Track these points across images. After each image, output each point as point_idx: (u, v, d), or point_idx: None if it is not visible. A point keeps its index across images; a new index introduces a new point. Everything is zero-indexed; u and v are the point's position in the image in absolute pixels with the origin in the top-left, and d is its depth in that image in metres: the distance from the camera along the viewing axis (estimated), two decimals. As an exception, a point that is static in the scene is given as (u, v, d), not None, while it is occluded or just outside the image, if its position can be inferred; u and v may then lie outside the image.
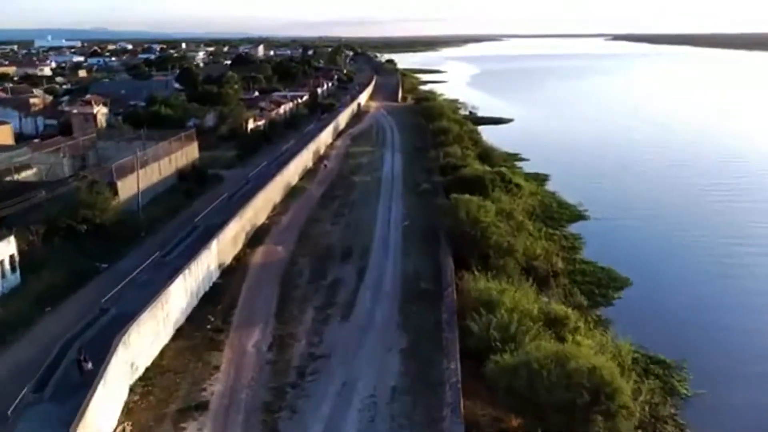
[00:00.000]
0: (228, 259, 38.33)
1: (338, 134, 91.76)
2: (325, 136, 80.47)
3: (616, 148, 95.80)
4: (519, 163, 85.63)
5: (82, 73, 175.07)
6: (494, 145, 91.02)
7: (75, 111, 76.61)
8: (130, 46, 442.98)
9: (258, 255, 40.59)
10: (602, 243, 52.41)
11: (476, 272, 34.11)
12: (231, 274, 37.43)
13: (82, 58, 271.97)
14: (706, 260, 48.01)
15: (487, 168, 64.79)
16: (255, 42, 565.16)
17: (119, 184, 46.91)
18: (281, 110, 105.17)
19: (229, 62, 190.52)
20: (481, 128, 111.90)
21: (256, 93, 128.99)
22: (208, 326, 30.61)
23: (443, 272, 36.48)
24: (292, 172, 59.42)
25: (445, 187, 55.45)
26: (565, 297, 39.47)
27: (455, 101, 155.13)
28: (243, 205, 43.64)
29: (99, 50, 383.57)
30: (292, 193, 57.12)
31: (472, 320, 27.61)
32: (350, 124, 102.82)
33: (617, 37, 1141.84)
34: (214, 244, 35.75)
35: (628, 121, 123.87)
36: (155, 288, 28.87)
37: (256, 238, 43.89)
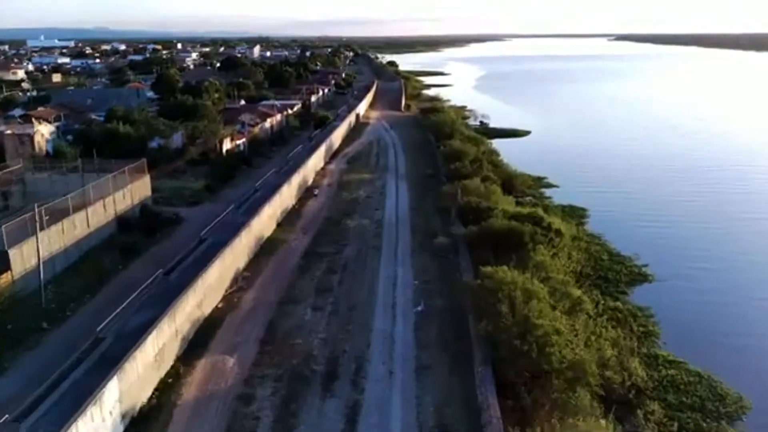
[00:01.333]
0: (142, 398, 24.43)
1: (332, 155, 77.96)
2: (315, 162, 66.58)
3: (658, 169, 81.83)
4: (547, 191, 71.94)
5: (57, 77, 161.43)
6: (512, 162, 77.66)
7: (9, 131, 62.55)
8: (123, 47, 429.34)
9: (195, 379, 26.63)
10: (684, 323, 38.53)
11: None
12: (145, 423, 23.56)
13: (67, 60, 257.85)
14: None
15: (518, 208, 51.05)
16: (255, 41, 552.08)
17: (12, 253, 33.05)
18: (268, 124, 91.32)
19: (218, 65, 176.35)
20: (495, 142, 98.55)
21: (242, 102, 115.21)
22: None
23: (482, 418, 22.91)
24: (266, 220, 45.53)
25: (469, 242, 41.78)
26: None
27: (463, 108, 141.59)
28: (185, 288, 29.76)
29: (91, 50, 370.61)
30: (265, 249, 43.23)
31: None
32: (347, 140, 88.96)
33: (620, 38, 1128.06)
34: (113, 385, 21.88)
35: (663, 135, 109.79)
36: None
37: (199, 340, 29.98)
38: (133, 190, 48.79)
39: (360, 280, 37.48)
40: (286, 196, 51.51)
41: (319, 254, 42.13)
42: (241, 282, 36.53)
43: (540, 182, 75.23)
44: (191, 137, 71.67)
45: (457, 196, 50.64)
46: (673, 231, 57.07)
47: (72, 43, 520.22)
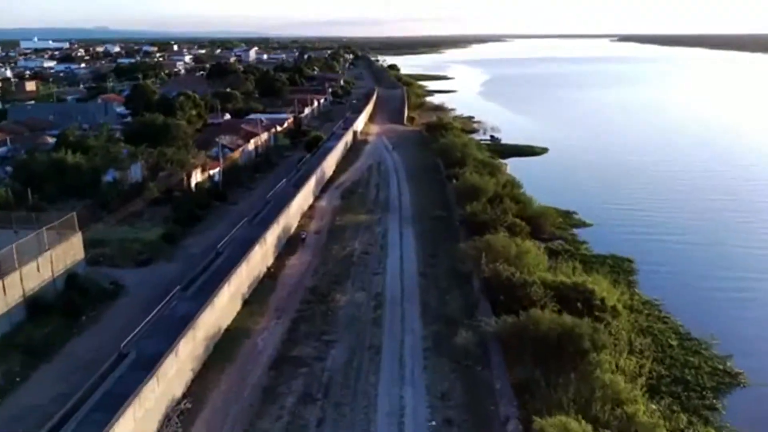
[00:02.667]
0: None
1: (325, 185, 66.20)
2: (301, 201, 54.73)
3: (713, 200, 70.03)
4: (579, 231, 60.26)
5: (31, 86, 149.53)
6: (531, 188, 66.18)
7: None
8: (117, 48, 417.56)
9: None
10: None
11: None
12: None
13: (53, 63, 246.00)
14: None
15: (561, 277, 39.27)
16: (255, 42, 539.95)
17: None
18: (252, 145, 79.54)
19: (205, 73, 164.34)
20: (509, 162, 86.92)
21: (227, 116, 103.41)
22: None
23: None
24: (225, 304, 33.67)
25: (503, 342, 30.07)
26: None
27: (470, 120, 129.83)
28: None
29: (83, 52, 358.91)
30: (220, 353, 31.31)
31: None
32: (343, 164, 77.16)
33: (623, 38, 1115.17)
34: None
35: (700, 153, 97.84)
36: None
37: None
38: (56, 257, 36.98)
39: (350, 418, 25.61)
40: (257, 261, 39.67)
41: (295, 361, 30.23)
42: (175, 427, 24.63)
43: (569, 219, 63.45)
44: (154, 168, 59.84)
45: (481, 261, 38.79)
46: (754, 295, 45.12)
47: (66, 44, 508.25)
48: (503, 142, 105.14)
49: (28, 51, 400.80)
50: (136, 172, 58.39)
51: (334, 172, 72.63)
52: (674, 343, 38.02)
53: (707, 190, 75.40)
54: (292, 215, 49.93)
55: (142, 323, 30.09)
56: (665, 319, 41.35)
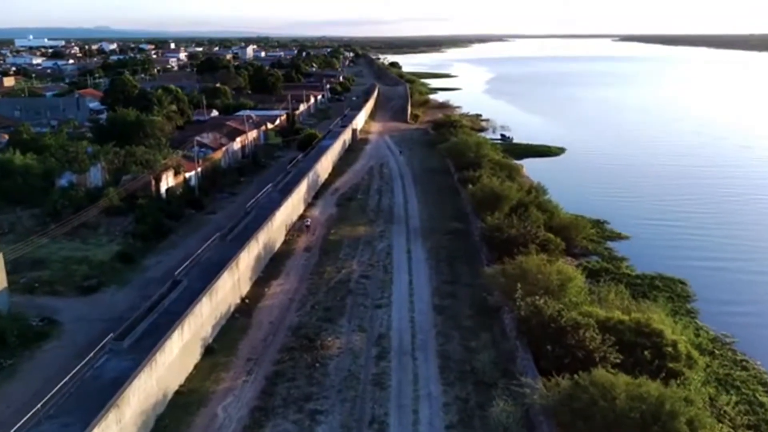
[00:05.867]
0: None
1: (318, 190, 57.33)
2: (289, 212, 45.63)
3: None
4: (615, 245, 51.61)
5: (10, 81, 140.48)
6: (553, 192, 57.37)
7: None
8: (112, 46, 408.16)
9: None
10: None
11: None
12: None
13: (39, 60, 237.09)
14: None
15: (617, 313, 30.33)
16: (254, 42, 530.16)
17: None
18: (237, 144, 70.67)
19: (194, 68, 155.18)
20: (525, 163, 78.35)
21: (215, 112, 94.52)
22: None
23: None
24: (175, 359, 24.77)
25: (558, 418, 21.29)
26: None
27: (478, 117, 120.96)
28: None
29: (77, 50, 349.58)
30: None
31: None
32: (340, 166, 68.28)
33: (624, 38, 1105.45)
34: None
35: (730, 152, 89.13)
36: None
37: None
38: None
39: None
40: (226, 292, 30.79)
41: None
42: None
43: (601, 230, 54.71)
44: (118, 170, 50.97)
45: (514, 292, 29.90)
46: None
47: (62, 43, 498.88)
48: (515, 141, 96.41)
49: (23, 49, 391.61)
50: (95, 175, 49.50)
51: (330, 174, 63.78)
52: (762, 397, 29.37)
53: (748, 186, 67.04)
54: (276, 229, 40.97)
55: (53, 390, 21.29)
56: (743, 363, 32.73)
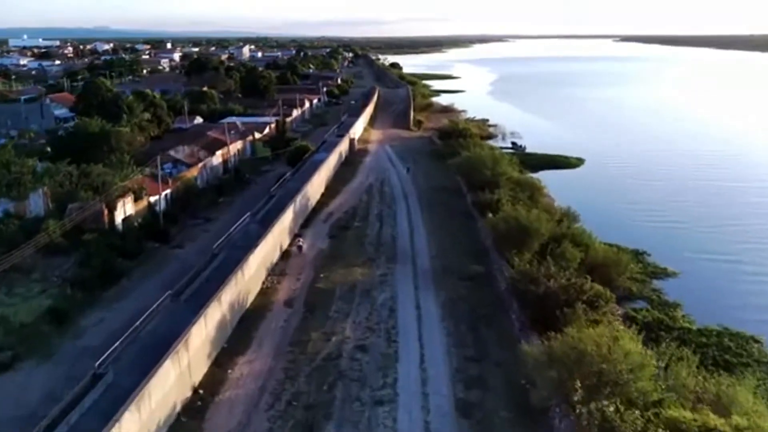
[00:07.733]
0: None
1: (308, 216, 48.61)
2: (267, 251, 36.77)
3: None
4: (662, 284, 43.18)
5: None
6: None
7: None
8: (106, 46, 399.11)
9: None
10: None
11: None
12: None
13: (26, 61, 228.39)
14: None
15: (690, 414, 21.57)
16: (254, 42, 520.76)
17: None
18: (218, 159, 62.02)
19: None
20: (541, 176, 69.85)
21: (198, 119, 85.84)
22: None
23: None
24: None
25: None
26: None
27: (485, 123, 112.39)
28: None
29: (71, 50, 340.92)
30: None
31: None
32: (335, 184, 59.53)
33: (625, 39, 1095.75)
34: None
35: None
36: None
37: None
38: None
39: None
40: (169, 386, 22.04)
41: None
42: None
43: (643, 264, 46.07)
44: (69, 195, 42.25)
45: (571, 388, 21.21)
46: None
47: (57, 43, 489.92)
48: (528, 150, 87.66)
49: (14, 49, 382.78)
50: (36, 202, 40.75)
51: (323, 195, 55.07)
52: None
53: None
54: (249, 278, 32.18)
55: None
56: None
